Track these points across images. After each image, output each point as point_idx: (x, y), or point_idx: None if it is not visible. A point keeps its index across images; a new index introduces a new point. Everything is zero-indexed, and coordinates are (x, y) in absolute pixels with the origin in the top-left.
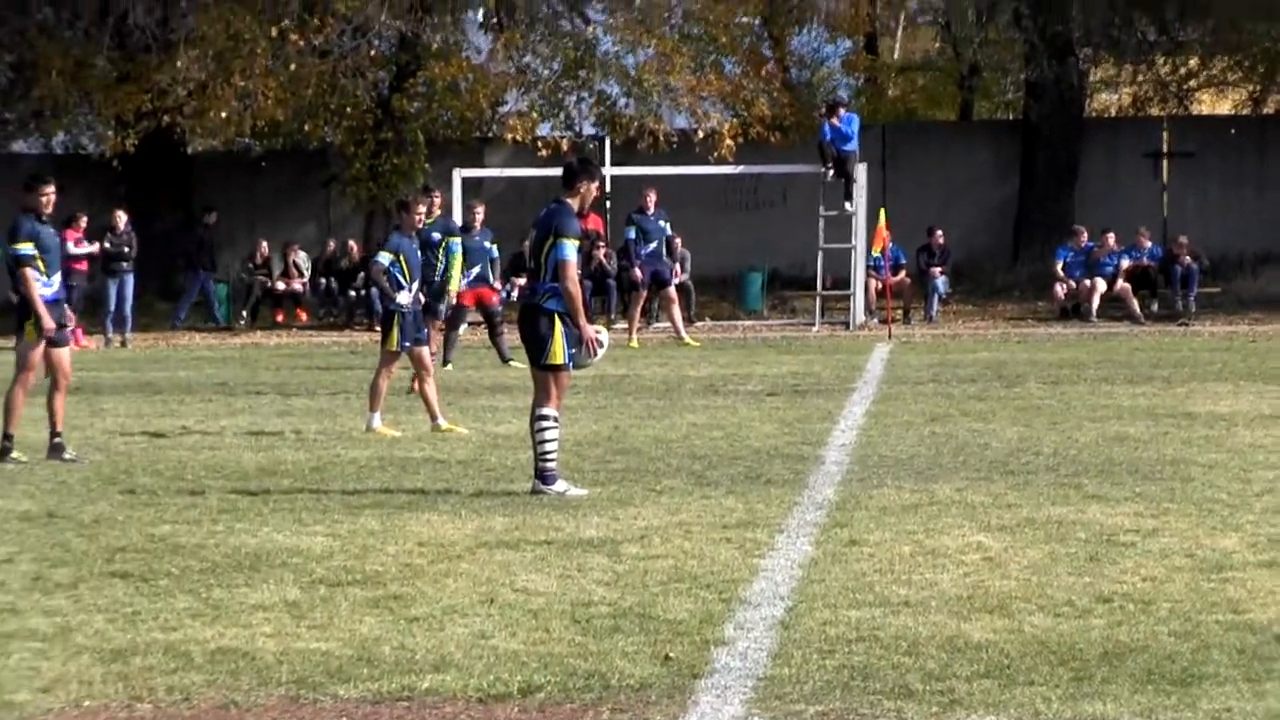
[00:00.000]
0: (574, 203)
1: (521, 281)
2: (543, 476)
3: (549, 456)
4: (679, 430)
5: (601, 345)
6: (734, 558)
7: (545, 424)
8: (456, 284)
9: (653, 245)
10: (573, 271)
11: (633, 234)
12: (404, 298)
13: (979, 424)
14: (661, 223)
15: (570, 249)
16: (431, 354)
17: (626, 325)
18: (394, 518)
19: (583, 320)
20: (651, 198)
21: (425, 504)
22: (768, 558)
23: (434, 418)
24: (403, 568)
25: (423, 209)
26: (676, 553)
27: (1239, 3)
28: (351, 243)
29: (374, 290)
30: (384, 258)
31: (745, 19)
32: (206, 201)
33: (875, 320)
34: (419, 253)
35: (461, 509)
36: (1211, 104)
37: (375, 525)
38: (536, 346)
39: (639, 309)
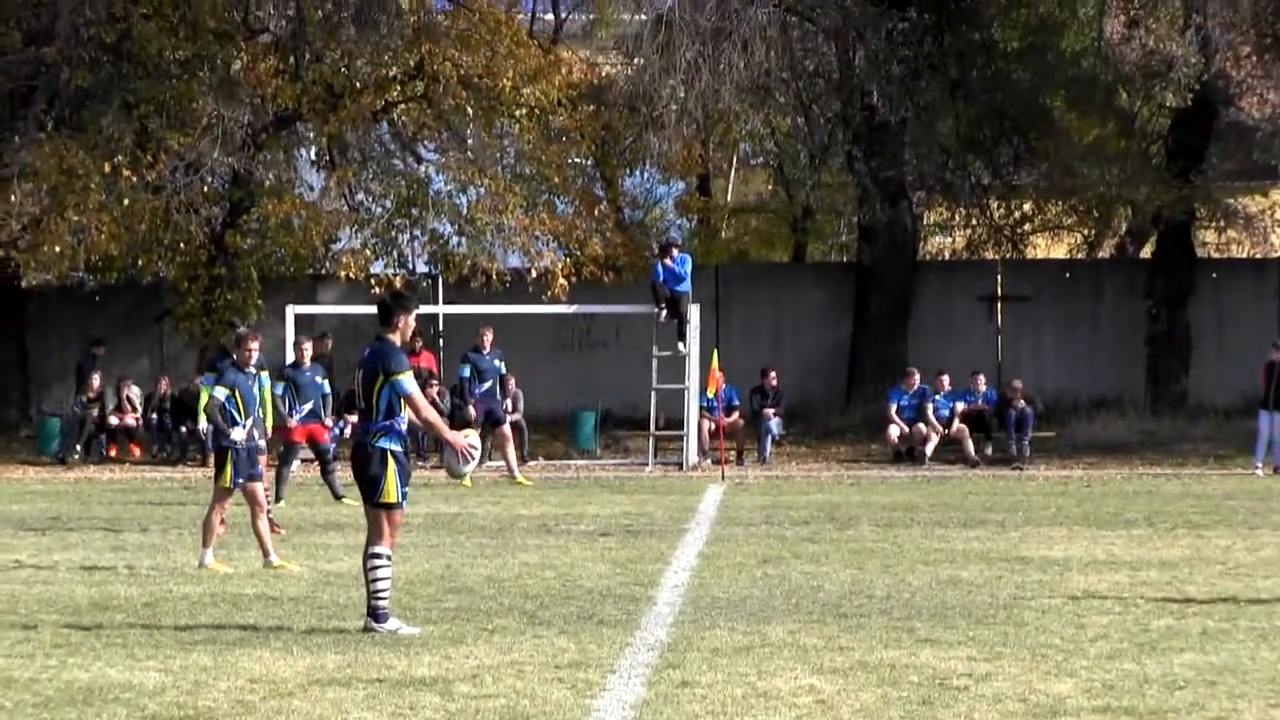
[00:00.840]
0: (395, 338)
1: (354, 418)
2: (375, 614)
3: (381, 595)
4: (511, 569)
5: (475, 448)
6: (566, 698)
7: (378, 562)
8: (271, 420)
9: (487, 384)
10: (420, 402)
11: (467, 372)
12: (238, 433)
13: (811, 566)
14: (497, 362)
15: (408, 382)
16: (265, 490)
17: None
18: (226, 654)
19: (450, 434)
20: (488, 337)
21: (257, 640)
22: (600, 698)
23: (266, 554)
24: (235, 704)
25: (255, 345)
26: (509, 692)
27: (1072, 147)
28: (198, 379)
29: (208, 425)
30: (220, 393)
31: (578, 159)
32: (40, 335)
33: (708, 461)
34: (254, 389)
35: (294, 646)
36: (1046, 247)
37: (207, 661)
38: (369, 485)
39: None
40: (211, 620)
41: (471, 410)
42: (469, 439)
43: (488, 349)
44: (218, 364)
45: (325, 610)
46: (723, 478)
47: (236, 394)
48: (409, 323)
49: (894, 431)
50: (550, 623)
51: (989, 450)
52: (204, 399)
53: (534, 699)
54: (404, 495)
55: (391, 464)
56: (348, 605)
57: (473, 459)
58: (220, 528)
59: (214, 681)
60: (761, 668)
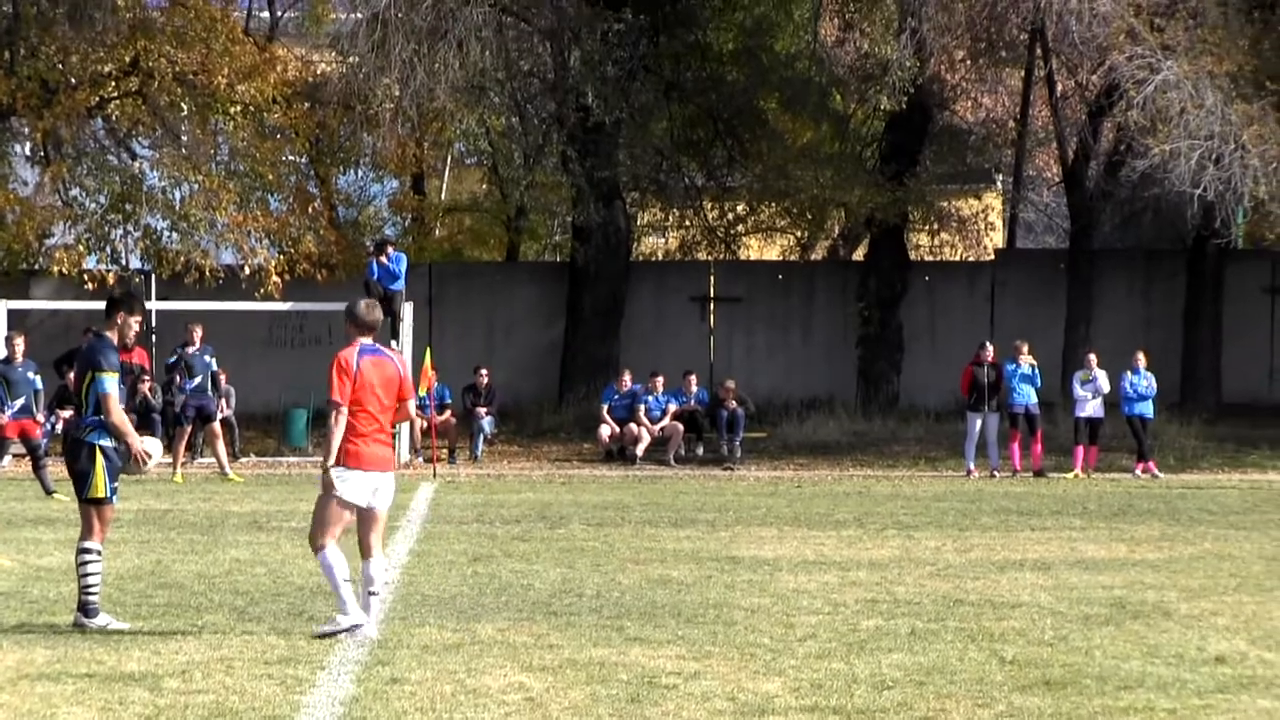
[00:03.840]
0: (112, 335)
1: (66, 414)
2: (85, 609)
3: (92, 590)
4: (222, 566)
5: (151, 456)
6: (276, 694)
7: (88, 557)
8: None
9: (198, 380)
10: (113, 403)
11: (174, 359)
12: None
13: (522, 564)
14: (207, 358)
15: (109, 382)
16: None
17: (171, 460)
18: None
19: (132, 438)
20: (197, 333)
21: None
22: (309, 694)
23: None
24: None
25: None
26: (218, 688)
27: (785, 149)
28: None
29: None
30: None
31: (292, 156)
32: None
33: (420, 459)
34: None
35: (3, 640)
36: (759, 249)
37: None
38: (79, 480)
39: (184, 444)
40: None
41: (187, 403)
42: (145, 446)
43: (197, 345)
44: None
45: (35, 605)
46: (434, 475)
47: None
48: (129, 323)
49: (605, 431)
50: (260, 619)
51: (700, 450)
52: None
53: (243, 695)
54: (113, 491)
55: (100, 459)
56: (58, 600)
57: (147, 465)
58: None
59: None
60: (471, 665)
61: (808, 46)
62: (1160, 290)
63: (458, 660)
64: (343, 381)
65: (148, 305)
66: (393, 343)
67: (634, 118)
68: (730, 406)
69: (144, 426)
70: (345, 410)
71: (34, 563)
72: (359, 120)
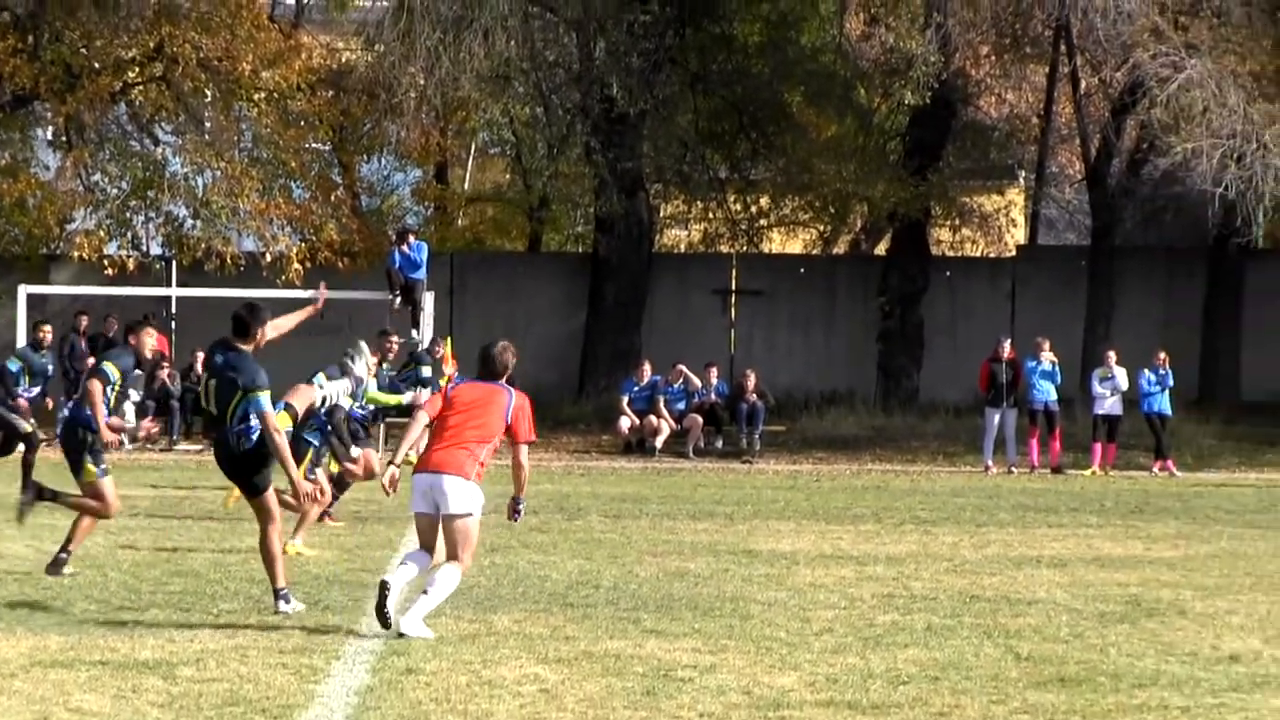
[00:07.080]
0: (250, 348)
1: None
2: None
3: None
4: (238, 554)
5: (323, 494)
6: (290, 683)
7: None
8: None
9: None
10: (273, 421)
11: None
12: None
13: (539, 556)
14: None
15: (265, 400)
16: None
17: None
18: None
19: (293, 469)
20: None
21: None
22: (324, 684)
23: None
24: None
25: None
26: (232, 676)
27: (809, 143)
28: None
29: None
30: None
31: (315, 144)
32: None
33: None
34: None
35: (16, 626)
36: (782, 243)
37: None
38: (253, 486)
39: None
40: None
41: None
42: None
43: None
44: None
45: (49, 591)
46: None
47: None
48: (264, 334)
49: (625, 423)
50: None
51: (719, 443)
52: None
53: (257, 683)
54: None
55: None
56: (72, 587)
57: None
58: None
59: None
60: (486, 656)
61: (833, 40)
62: (1180, 288)
63: (473, 651)
64: (433, 399)
65: (168, 292)
66: (414, 332)
67: (658, 109)
68: (750, 400)
69: (162, 413)
70: (424, 416)
71: (48, 549)
72: (383, 109)
